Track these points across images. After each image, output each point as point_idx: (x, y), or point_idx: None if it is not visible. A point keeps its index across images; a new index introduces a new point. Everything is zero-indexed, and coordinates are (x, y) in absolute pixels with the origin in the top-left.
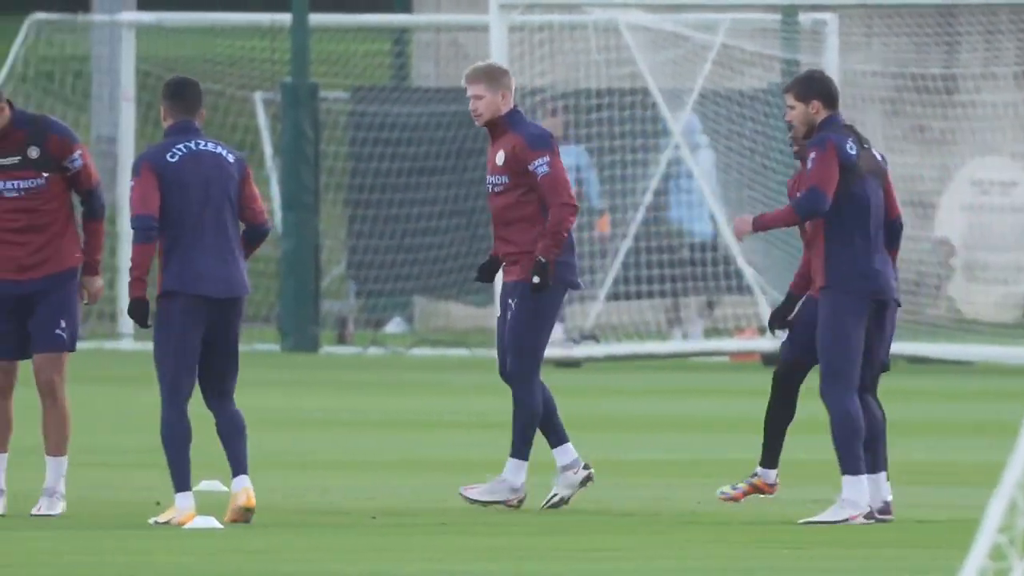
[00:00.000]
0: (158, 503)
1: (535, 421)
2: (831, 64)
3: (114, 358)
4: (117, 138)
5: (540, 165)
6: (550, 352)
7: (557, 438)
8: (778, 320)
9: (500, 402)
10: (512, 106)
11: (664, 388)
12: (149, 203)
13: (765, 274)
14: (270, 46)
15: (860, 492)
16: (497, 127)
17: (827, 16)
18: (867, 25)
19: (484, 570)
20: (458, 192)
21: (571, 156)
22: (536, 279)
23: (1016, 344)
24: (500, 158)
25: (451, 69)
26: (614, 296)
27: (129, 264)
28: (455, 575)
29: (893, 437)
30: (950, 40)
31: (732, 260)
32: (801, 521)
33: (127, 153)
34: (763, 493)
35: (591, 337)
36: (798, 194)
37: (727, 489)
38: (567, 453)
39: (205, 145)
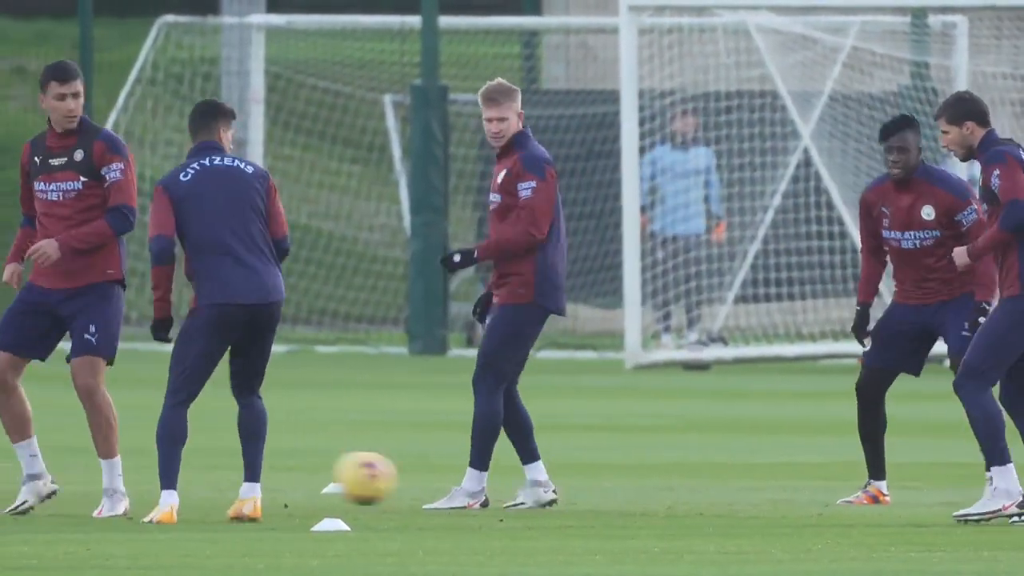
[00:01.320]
0: (286, 506)
1: (494, 433)
2: (961, 66)
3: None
4: (247, 141)
5: (525, 188)
6: (679, 355)
7: (530, 456)
8: (862, 332)
9: (630, 405)
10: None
11: (792, 391)
12: (162, 225)
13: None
14: (400, 48)
15: (1010, 480)
16: (507, 147)
17: (957, 18)
18: (997, 27)
19: (611, 573)
20: (587, 195)
21: (701, 158)
22: (457, 258)
23: None
24: (501, 177)
25: (581, 72)
26: (742, 299)
27: (152, 284)
28: None
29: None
30: None
31: (860, 262)
32: (956, 515)
33: (257, 155)
34: (879, 502)
35: (720, 340)
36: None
37: (849, 499)
38: (539, 471)
39: (221, 160)
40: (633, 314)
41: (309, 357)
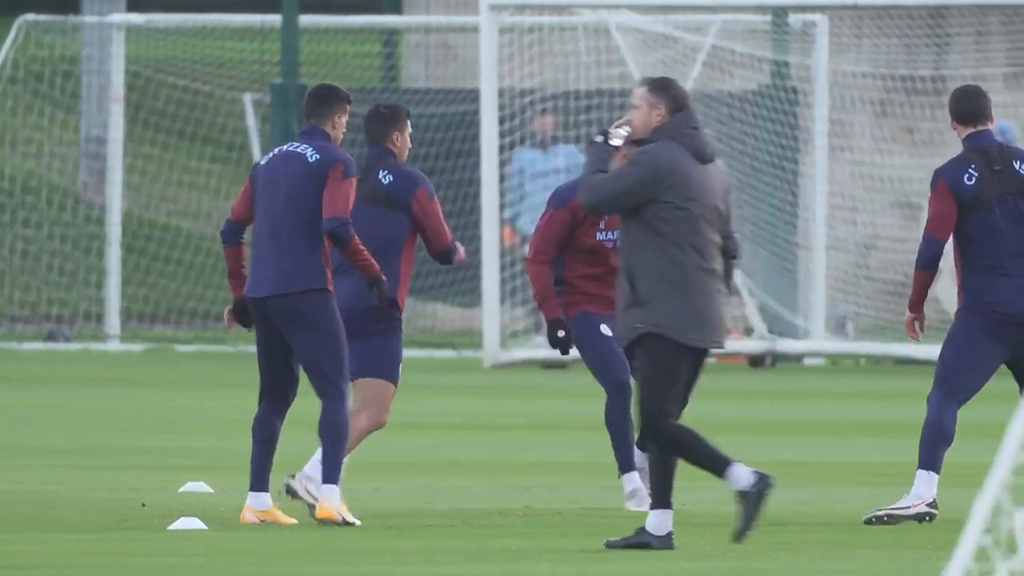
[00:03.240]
0: (143, 505)
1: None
2: (821, 65)
3: (101, 360)
4: (107, 139)
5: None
6: (538, 354)
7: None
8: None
9: (488, 404)
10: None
11: None
12: (236, 207)
13: (752, 276)
14: (260, 47)
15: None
16: None
17: (817, 17)
18: (857, 26)
19: (472, 571)
20: (447, 193)
21: (561, 157)
22: (552, 336)
23: None
24: None
25: (440, 70)
26: None
27: None
28: None
29: (878, 439)
30: (940, 41)
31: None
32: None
33: (116, 154)
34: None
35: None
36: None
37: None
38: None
39: (298, 147)
40: (492, 313)
41: (168, 355)
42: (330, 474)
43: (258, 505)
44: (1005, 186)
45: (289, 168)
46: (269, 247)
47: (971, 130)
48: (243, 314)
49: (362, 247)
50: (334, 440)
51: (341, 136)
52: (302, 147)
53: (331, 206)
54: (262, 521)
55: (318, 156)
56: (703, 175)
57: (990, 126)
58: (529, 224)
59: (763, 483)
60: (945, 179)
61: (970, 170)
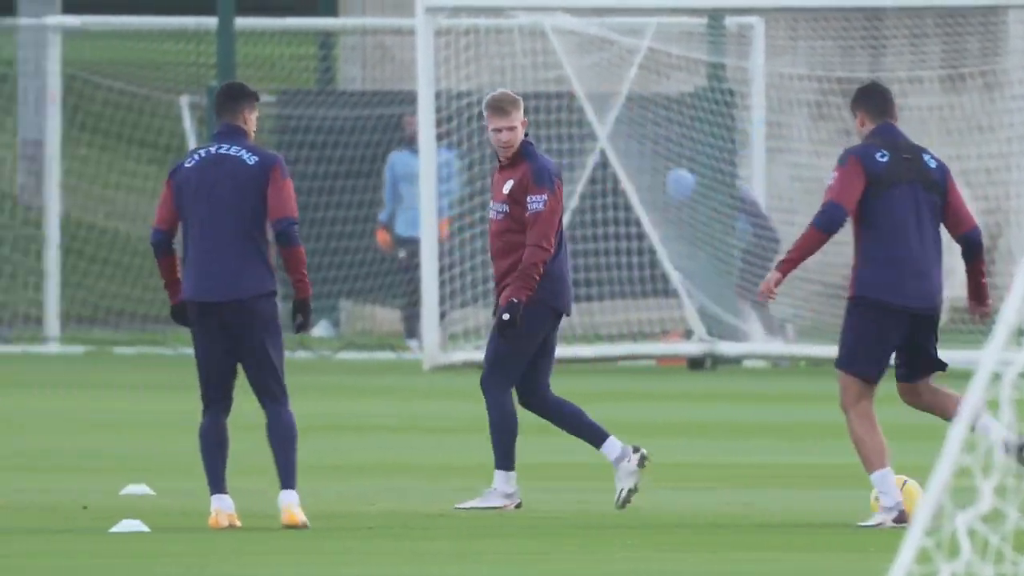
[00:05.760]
0: (85, 507)
1: (508, 432)
2: (757, 68)
3: (40, 362)
4: (44, 141)
5: (535, 202)
6: (478, 356)
7: (596, 437)
8: None
9: (427, 406)
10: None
11: (590, 392)
12: (161, 214)
13: (691, 278)
14: (196, 50)
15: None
16: (512, 156)
17: (753, 20)
18: (793, 29)
19: (411, 573)
20: (383, 195)
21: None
22: (506, 316)
23: (946, 348)
24: (508, 186)
25: (377, 72)
26: None
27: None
28: None
29: (820, 441)
30: (876, 44)
31: (658, 263)
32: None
33: (53, 156)
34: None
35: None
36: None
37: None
38: (613, 447)
39: (228, 149)
40: (431, 315)
41: (106, 358)
42: (293, 478)
43: (227, 507)
44: (913, 174)
45: (225, 171)
46: (212, 252)
47: (880, 123)
48: (183, 317)
49: (304, 257)
50: (295, 443)
51: (253, 133)
52: (232, 148)
53: (279, 207)
54: (231, 525)
55: (256, 158)
56: None
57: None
58: (405, 226)
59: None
60: (856, 155)
61: (882, 150)
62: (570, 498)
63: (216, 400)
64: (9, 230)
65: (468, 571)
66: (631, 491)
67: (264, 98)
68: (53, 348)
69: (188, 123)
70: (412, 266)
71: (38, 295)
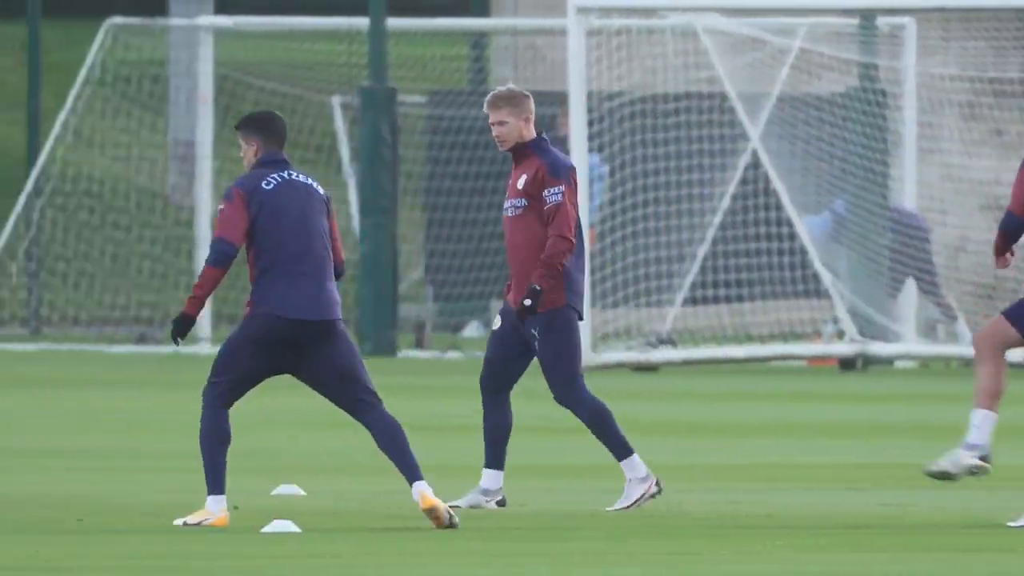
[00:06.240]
0: (236, 507)
1: (609, 419)
2: (909, 68)
3: (191, 363)
4: (195, 141)
5: (554, 193)
6: (628, 357)
7: (497, 462)
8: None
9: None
10: (536, 132)
11: (741, 393)
12: (234, 229)
13: (843, 279)
14: (348, 50)
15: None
16: (522, 153)
17: (905, 20)
18: (945, 29)
19: (561, 574)
20: None
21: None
22: (527, 302)
23: None
24: (522, 182)
25: (528, 73)
26: (691, 300)
27: (198, 280)
28: None
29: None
30: None
31: (809, 263)
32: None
33: (204, 156)
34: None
35: (668, 342)
36: None
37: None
38: (495, 480)
39: (297, 176)
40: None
41: None
42: (418, 469)
43: (219, 509)
44: None
45: (303, 197)
46: (309, 274)
47: None
48: (189, 328)
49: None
50: (405, 437)
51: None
52: (300, 176)
53: (339, 247)
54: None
55: (321, 190)
56: None
57: None
58: None
59: None
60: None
61: None
62: (718, 499)
63: (233, 402)
64: (160, 230)
65: (620, 572)
66: (457, 508)
67: (415, 98)
68: (205, 348)
69: (340, 123)
70: None
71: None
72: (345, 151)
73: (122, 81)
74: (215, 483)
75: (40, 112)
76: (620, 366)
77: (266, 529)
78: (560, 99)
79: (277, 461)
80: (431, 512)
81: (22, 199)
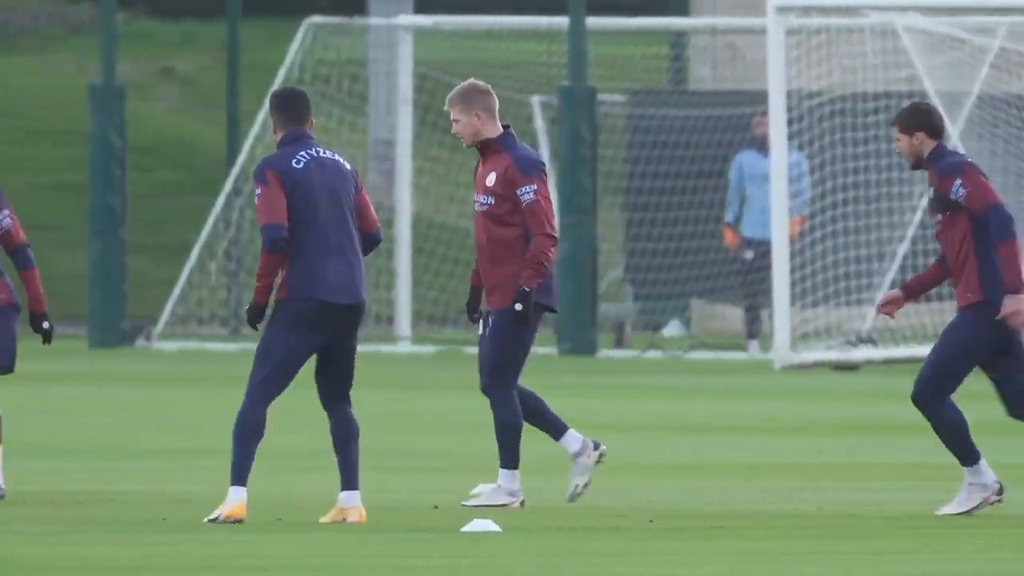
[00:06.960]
0: (435, 507)
1: (516, 432)
2: None
3: (391, 362)
4: (395, 141)
5: (527, 192)
6: (828, 356)
7: (556, 430)
8: None
9: (779, 406)
10: (503, 127)
11: None
12: (277, 211)
13: None
14: (547, 49)
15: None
16: (488, 148)
17: None
18: None
19: (747, 572)
20: (728, 196)
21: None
22: (518, 307)
23: None
24: (491, 179)
25: (728, 72)
26: None
27: (259, 270)
28: None
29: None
30: None
31: None
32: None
33: (404, 156)
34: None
35: (869, 341)
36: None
37: None
38: (574, 440)
39: (325, 153)
40: (782, 314)
41: (458, 358)
42: (357, 478)
43: (236, 502)
44: None
45: (334, 174)
46: (342, 254)
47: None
48: (262, 316)
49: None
50: (359, 441)
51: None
52: (326, 152)
53: (374, 216)
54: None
55: (348, 164)
56: None
57: None
58: (751, 227)
59: None
60: (967, 164)
61: None
62: (892, 498)
63: (276, 396)
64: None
65: (798, 572)
66: (585, 486)
67: (615, 97)
68: (404, 348)
69: (540, 123)
70: (757, 267)
71: (390, 295)
72: (545, 151)
73: (321, 80)
74: (240, 475)
75: (239, 112)
76: (820, 365)
77: (465, 528)
78: (759, 98)
79: (475, 461)
80: (343, 520)
81: (221, 199)
